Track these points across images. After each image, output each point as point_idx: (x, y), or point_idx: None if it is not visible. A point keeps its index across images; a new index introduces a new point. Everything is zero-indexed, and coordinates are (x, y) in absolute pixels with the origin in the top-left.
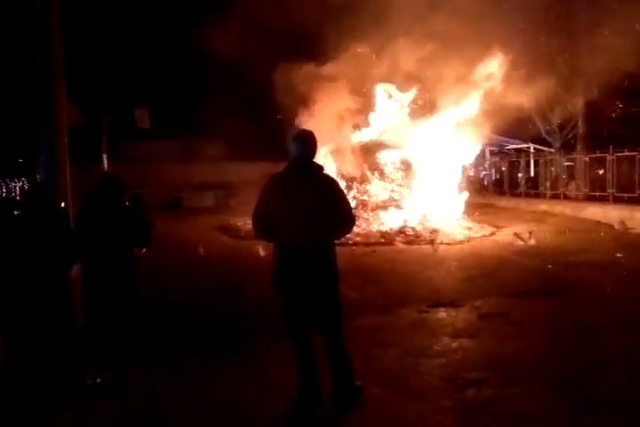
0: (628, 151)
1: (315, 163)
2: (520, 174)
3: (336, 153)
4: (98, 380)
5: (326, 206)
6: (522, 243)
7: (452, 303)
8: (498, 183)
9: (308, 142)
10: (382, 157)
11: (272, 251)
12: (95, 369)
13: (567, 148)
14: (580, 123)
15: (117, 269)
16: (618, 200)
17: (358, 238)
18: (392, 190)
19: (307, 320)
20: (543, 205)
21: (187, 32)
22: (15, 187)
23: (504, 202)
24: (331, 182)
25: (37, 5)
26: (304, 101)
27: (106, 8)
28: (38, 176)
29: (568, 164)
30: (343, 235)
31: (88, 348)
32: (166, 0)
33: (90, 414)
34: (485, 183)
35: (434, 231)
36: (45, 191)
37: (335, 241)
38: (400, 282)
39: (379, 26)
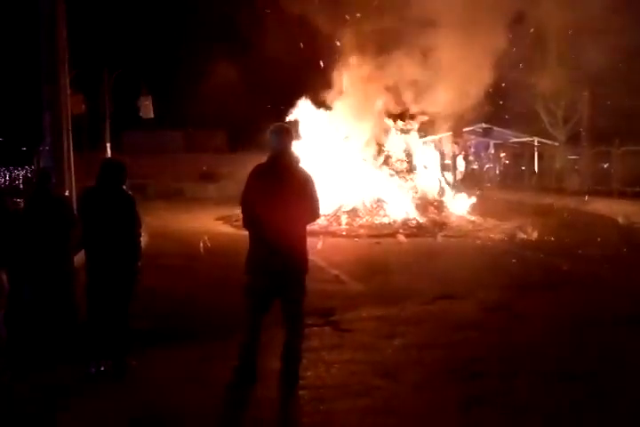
0: (634, 145)
1: (293, 156)
2: (524, 168)
3: None
4: (102, 368)
5: (298, 199)
6: (525, 236)
7: (456, 295)
8: (502, 176)
9: (286, 136)
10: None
11: (250, 236)
12: (99, 357)
13: (572, 141)
14: (584, 116)
15: (121, 256)
16: (622, 194)
17: (362, 230)
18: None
19: (268, 302)
20: (547, 199)
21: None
22: (19, 175)
23: (508, 195)
24: (306, 177)
25: None
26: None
27: None
28: (41, 164)
29: (573, 157)
30: (313, 221)
31: (91, 336)
32: None
33: (94, 401)
34: (489, 176)
35: (437, 224)
36: (49, 179)
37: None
38: (404, 274)
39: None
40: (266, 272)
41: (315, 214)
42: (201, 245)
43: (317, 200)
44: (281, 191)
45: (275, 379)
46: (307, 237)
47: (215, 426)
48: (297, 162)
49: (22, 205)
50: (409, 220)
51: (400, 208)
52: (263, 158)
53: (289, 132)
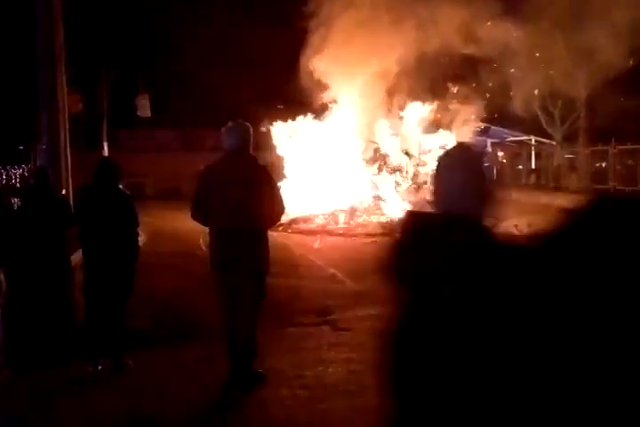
0: (631, 144)
1: (249, 154)
2: (521, 166)
3: None
4: (99, 367)
5: (258, 196)
6: (521, 234)
7: None
8: (499, 175)
9: (243, 134)
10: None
11: (209, 234)
12: (97, 356)
13: (569, 140)
14: (582, 115)
15: (118, 255)
16: (620, 193)
17: (359, 229)
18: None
19: (238, 299)
20: (544, 198)
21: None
22: (16, 174)
23: (505, 194)
24: (264, 174)
25: None
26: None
27: None
28: (38, 162)
29: (569, 156)
30: (275, 222)
31: (89, 335)
32: None
33: (93, 401)
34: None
35: None
36: (47, 177)
37: (269, 228)
38: None
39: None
40: (225, 269)
41: (274, 217)
42: (201, 242)
43: (278, 202)
44: (239, 189)
45: (273, 379)
46: (267, 237)
47: (213, 426)
48: (254, 160)
49: (20, 203)
50: None
51: (397, 207)
52: (262, 157)
53: (247, 130)
